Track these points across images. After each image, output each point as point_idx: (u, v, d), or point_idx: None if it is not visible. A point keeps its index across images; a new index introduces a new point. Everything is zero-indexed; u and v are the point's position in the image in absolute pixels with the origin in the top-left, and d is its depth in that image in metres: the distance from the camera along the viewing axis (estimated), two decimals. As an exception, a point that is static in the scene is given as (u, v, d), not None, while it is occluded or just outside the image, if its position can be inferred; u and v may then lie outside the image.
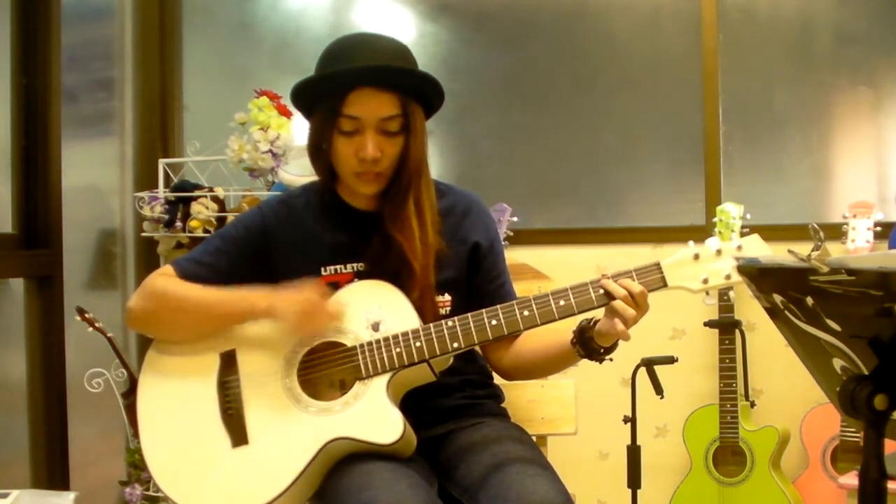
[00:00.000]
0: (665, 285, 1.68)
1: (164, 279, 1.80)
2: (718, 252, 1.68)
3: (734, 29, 3.39)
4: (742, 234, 1.74)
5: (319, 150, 1.78)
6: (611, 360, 1.75)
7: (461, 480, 1.71)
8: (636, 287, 1.65)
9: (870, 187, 3.33)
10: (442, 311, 1.79)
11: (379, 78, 1.70)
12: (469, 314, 1.70)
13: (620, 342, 1.71)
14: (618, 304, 1.64)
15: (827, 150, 3.42)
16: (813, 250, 1.28)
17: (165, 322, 1.79)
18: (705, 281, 1.68)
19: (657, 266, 1.69)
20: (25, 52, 2.78)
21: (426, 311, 1.74)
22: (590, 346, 1.72)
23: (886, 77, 3.35)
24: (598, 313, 1.72)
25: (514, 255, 3.11)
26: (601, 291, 1.67)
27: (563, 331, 1.78)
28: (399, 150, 1.75)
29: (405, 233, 1.76)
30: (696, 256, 1.68)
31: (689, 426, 3.17)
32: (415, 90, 1.75)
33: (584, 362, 1.84)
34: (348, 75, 1.69)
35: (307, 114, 1.81)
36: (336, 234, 1.82)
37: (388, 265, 1.77)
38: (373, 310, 1.72)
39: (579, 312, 1.68)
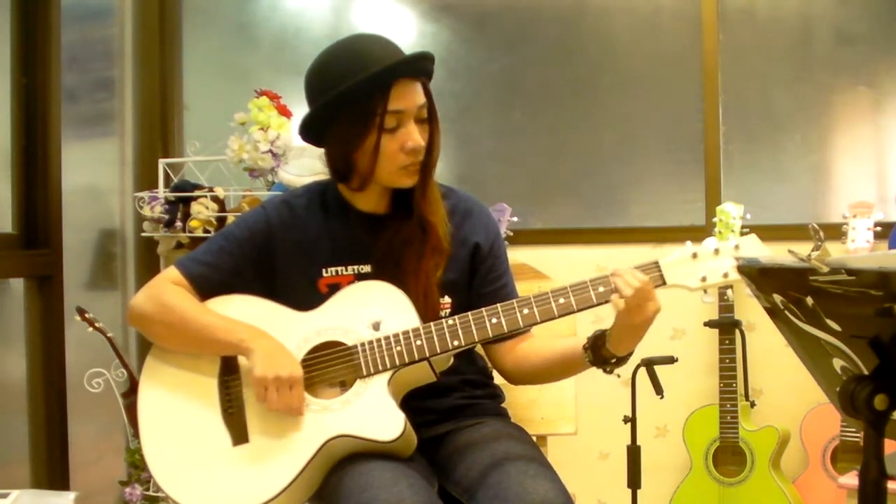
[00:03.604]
0: (664, 283, 1.68)
1: (171, 287, 1.79)
2: (716, 251, 1.69)
3: (734, 29, 3.39)
4: (742, 234, 1.75)
5: (348, 159, 1.75)
6: (618, 376, 1.75)
7: (461, 480, 1.71)
8: (635, 282, 1.65)
9: (870, 187, 3.33)
10: (441, 314, 1.79)
11: (416, 67, 1.72)
12: (469, 312, 1.70)
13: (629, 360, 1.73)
14: (620, 284, 1.64)
15: (827, 150, 3.42)
16: (813, 250, 1.28)
17: (161, 332, 1.79)
18: (703, 279, 1.68)
19: (656, 264, 1.69)
20: (25, 52, 2.78)
21: (428, 312, 1.74)
22: (600, 353, 1.72)
23: (886, 77, 3.35)
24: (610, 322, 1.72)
25: (514, 255, 3.10)
26: (600, 290, 1.67)
27: (573, 336, 1.78)
28: (427, 136, 1.77)
29: (436, 207, 1.79)
30: (695, 255, 1.69)
31: (689, 426, 3.17)
32: (428, 74, 1.77)
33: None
34: (395, 68, 1.68)
35: (324, 131, 1.77)
36: (338, 236, 1.82)
37: (394, 266, 1.77)
38: (373, 309, 1.73)
39: (579, 310, 1.69)
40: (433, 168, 1.80)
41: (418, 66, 1.73)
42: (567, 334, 2.02)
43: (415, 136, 1.72)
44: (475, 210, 1.89)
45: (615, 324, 1.69)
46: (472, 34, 3.63)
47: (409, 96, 1.71)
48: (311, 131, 1.79)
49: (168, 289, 1.79)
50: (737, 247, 1.69)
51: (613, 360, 1.72)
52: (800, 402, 3.09)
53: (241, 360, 1.75)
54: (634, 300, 1.62)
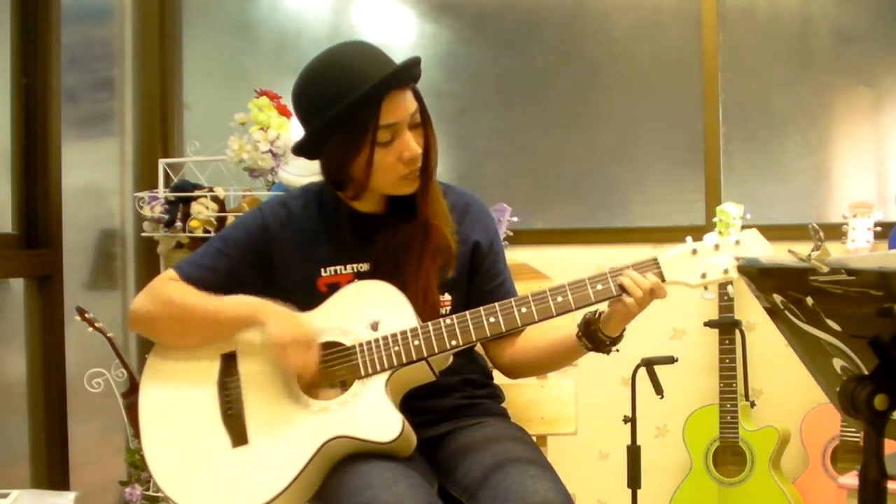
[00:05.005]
0: (663, 280, 1.68)
1: (170, 283, 1.80)
2: (716, 247, 1.68)
3: (734, 29, 3.39)
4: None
5: (344, 173, 1.75)
6: (617, 350, 1.76)
7: (461, 480, 1.71)
8: (646, 284, 1.66)
9: (870, 187, 3.33)
10: (442, 311, 1.79)
11: (404, 77, 1.70)
12: (467, 312, 1.70)
13: (625, 335, 1.73)
14: (630, 285, 1.65)
15: (827, 150, 3.42)
16: (813, 250, 1.28)
17: (168, 327, 1.79)
18: (703, 275, 1.68)
19: (655, 261, 1.69)
20: (25, 52, 2.78)
21: (428, 311, 1.74)
22: (597, 338, 1.73)
23: (886, 77, 3.35)
24: (602, 305, 1.72)
25: (514, 255, 3.11)
26: (598, 287, 1.67)
27: (567, 325, 1.78)
28: (423, 139, 1.76)
29: (438, 209, 1.79)
30: (694, 252, 1.69)
31: (689, 426, 3.17)
32: (417, 79, 1.76)
33: (584, 362, 1.84)
34: (383, 83, 1.66)
35: (319, 150, 1.77)
36: (337, 235, 1.82)
37: (393, 265, 1.77)
38: (372, 309, 1.73)
39: (577, 309, 1.69)
40: (433, 171, 1.79)
41: (407, 75, 1.71)
42: (566, 323, 2.02)
43: (411, 146, 1.71)
44: (473, 207, 1.89)
45: (612, 312, 1.69)
46: (472, 34, 3.63)
47: (401, 107, 1.69)
48: (304, 152, 1.79)
49: (166, 286, 1.80)
50: (737, 242, 1.68)
51: (608, 342, 1.73)
52: (800, 402, 3.09)
53: (242, 359, 1.75)
54: (643, 299, 1.65)
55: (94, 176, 3.28)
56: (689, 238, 1.71)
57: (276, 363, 1.70)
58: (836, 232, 2.99)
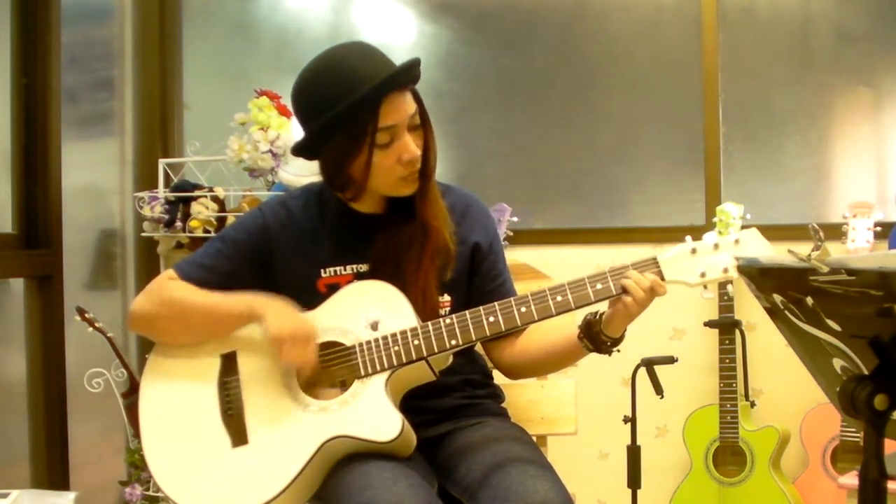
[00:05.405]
0: (662, 280, 1.68)
1: (169, 283, 1.80)
2: (716, 246, 1.68)
3: (734, 29, 3.39)
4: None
5: (343, 174, 1.74)
6: (619, 351, 1.76)
7: (461, 480, 1.71)
8: (646, 283, 1.66)
9: (870, 187, 3.33)
10: (441, 312, 1.79)
11: (404, 79, 1.70)
12: (467, 312, 1.70)
13: (626, 335, 1.73)
14: (631, 286, 1.65)
15: (827, 150, 3.42)
16: (813, 250, 1.28)
17: (168, 326, 1.80)
18: (703, 275, 1.68)
19: (654, 260, 1.69)
20: (25, 52, 2.78)
21: (427, 311, 1.74)
22: (598, 339, 1.73)
23: (886, 77, 3.35)
24: (602, 306, 1.72)
25: (514, 255, 3.11)
26: (598, 287, 1.67)
27: (567, 326, 1.78)
28: (422, 141, 1.76)
29: (437, 210, 1.78)
30: (694, 251, 1.69)
31: (689, 426, 3.17)
32: (416, 80, 1.75)
33: (584, 362, 1.84)
34: (383, 85, 1.66)
35: (318, 151, 1.77)
36: (336, 236, 1.82)
37: (392, 266, 1.77)
38: (372, 309, 1.73)
39: (576, 308, 1.69)
40: (432, 173, 1.79)
41: (406, 77, 1.70)
42: (566, 324, 2.02)
43: (410, 148, 1.71)
44: (473, 208, 1.89)
45: (613, 313, 1.69)
46: (472, 34, 3.63)
47: (400, 109, 1.69)
48: (303, 153, 1.79)
49: (165, 285, 1.80)
50: (737, 241, 1.68)
51: (609, 343, 1.73)
52: (800, 402, 3.09)
53: (241, 359, 1.76)
54: (644, 299, 1.65)
55: (94, 176, 3.28)
56: (688, 237, 1.71)
57: (274, 358, 1.70)
58: (836, 232, 2.99)
